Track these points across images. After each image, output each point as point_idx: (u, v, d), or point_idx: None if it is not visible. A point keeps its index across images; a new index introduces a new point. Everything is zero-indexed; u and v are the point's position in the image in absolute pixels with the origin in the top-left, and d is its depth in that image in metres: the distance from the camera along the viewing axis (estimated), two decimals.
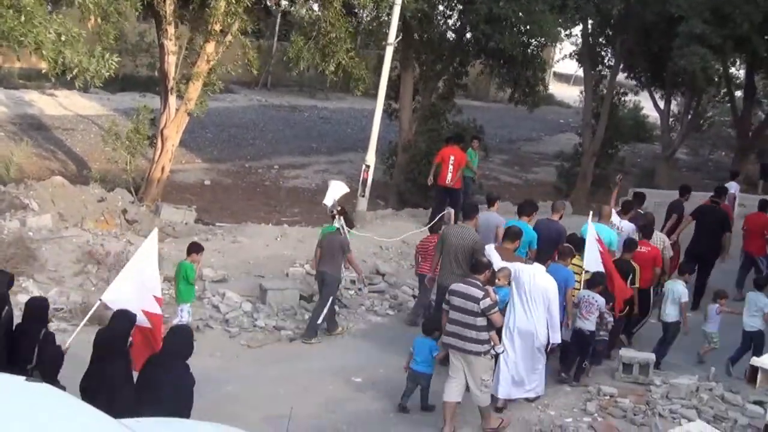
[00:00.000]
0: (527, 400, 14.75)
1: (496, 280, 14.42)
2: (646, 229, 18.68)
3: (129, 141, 25.17)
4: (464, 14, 30.08)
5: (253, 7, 23.47)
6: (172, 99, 24.83)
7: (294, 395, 13.76)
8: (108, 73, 18.89)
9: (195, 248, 16.03)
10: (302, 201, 31.45)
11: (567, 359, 16.03)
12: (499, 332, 13.99)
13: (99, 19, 19.69)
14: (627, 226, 18.96)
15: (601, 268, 16.41)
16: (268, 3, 27.11)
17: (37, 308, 11.42)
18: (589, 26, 37.32)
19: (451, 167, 24.11)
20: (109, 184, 24.51)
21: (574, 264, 16.35)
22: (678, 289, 17.08)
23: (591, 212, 18.26)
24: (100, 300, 12.14)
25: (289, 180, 34.23)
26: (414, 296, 19.52)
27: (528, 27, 27.91)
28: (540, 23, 27.36)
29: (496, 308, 13.49)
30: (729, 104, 43.69)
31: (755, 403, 15.08)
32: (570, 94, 60.37)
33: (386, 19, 24.92)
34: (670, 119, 42.98)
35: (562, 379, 15.83)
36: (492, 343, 13.52)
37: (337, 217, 18.68)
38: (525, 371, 14.54)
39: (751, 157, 42.10)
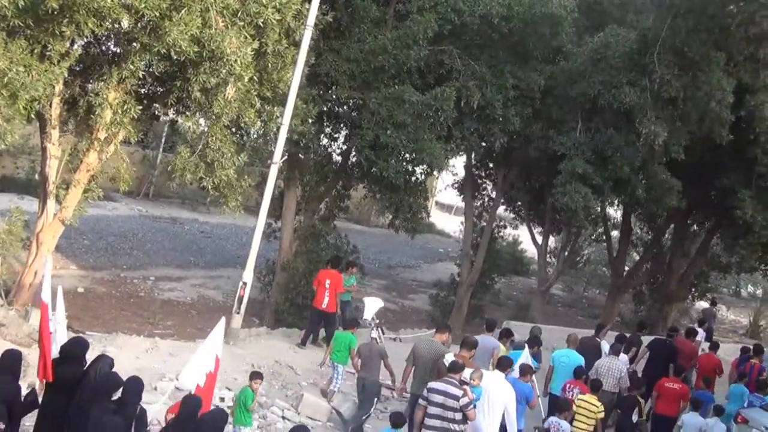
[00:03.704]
0: None
1: (471, 381, 16.21)
2: (678, 368, 22.24)
3: (1, 243, 24.63)
4: (350, 138, 30.38)
5: (139, 118, 23.35)
6: (51, 203, 24.37)
7: None
8: None
9: (255, 376, 16.65)
10: (176, 314, 31.04)
11: None
12: None
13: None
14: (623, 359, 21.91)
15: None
16: (156, 113, 26.95)
17: (136, 385, 12.67)
18: (473, 158, 37.97)
19: (327, 291, 24.19)
20: None
21: (585, 400, 18.51)
22: (720, 427, 19.47)
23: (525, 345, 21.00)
24: (177, 379, 14.77)
25: (164, 292, 33.81)
26: (283, 417, 19.33)
27: (414, 155, 28.25)
28: (428, 150, 27.72)
29: (472, 405, 15.53)
30: (605, 243, 44.66)
31: None
32: (451, 223, 61.14)
33: (272, 137, 25.01)
34: (547, 255, 43.66)
35: None
36: None
37: (374, 328, 21.10)
38: None
39: (624, 297, 42.89)
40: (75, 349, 13.35)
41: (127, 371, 15.92)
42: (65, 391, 12.75)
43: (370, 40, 27.80)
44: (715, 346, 25.36)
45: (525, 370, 18.24)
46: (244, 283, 23.95)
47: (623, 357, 21.91)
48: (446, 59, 29.89)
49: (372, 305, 22.35)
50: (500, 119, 30.51)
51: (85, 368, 13.19)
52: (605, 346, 22.39)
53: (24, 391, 12.93)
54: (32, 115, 21.50)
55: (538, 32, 30.81)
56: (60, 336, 14.46)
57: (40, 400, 13.22)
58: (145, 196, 51.56)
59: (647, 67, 29.30)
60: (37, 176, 32.41)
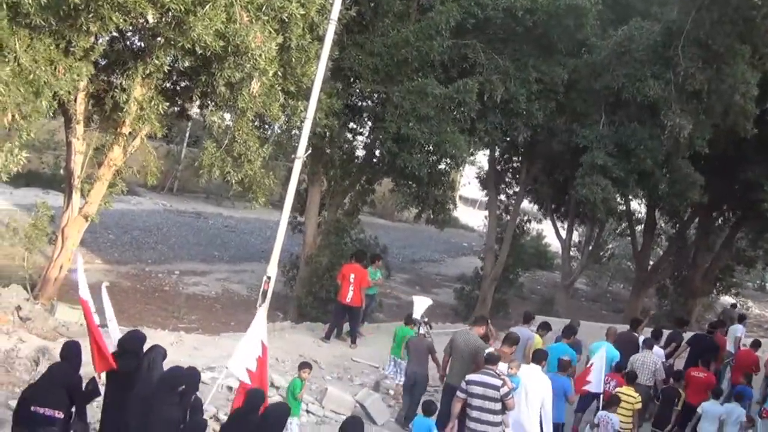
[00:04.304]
0: None
1: (509, 370, 16.76)
2: (704, 356, 22.36)
3: (27, 237, 24.76)
4: (374, 132, 30.37)
5: (166, 113, 23.41)
6: (76, 198, 24.50)
7: None
8: (16, 168, 18.75)
9: (304, 365, 17.30)
10: (201, 308, 31.10)
11: None
12: None
13: (17, 116, 19.49)
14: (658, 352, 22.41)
15: (600, 389, 19.46)
16: (184, 109, 27.03)
17: (194, 376, 13.11)
18: (497, 152, 37.90)
19: (351, 285, 24.21)
20: (4, 280, 23.95)
21: (623, 392, 19.04)
22: (739, 412, 19.83)
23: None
24: (227, 368, 15.85)
25: (188, 286, 33.87)
26: (308, 411, 19.36)
27: (437, 147, 28.16)
28: (452, 142, 27.64)
29: (512, 395, 15.96)
30: (629, 238, 44.52)
31: None
32: (475, 218, 61.10)
33: (297, 132, 25.02)
34: (571, 249, 43.57)
35: None
36: (504, 425, 16.03)
37: (423, 325, 21.24)
38: None
39: (648, 291, 42.79)
40: (132, 342, 13.91)
41: None
42: (124, 384, 13.22)
43: (394, 33, 27.77)
44: (756, 344, 25.49)
45: (564, 365, 18.59)
46: (268, 278, 23.97)
47: (658, 351, 22.30)
48: (470, 53, 29.82)
49: (421, 304, 22.44)
50: (524, 113, 30.41)
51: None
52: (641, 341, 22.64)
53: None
54: (51, 113, 21.59)
55: (562, 25, 30.66)
56: (113, 331, 15.06)
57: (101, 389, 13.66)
58: (169, 191, 51.77)
59: (671, 59, 29.16)
60: (62, 171, 32.58)
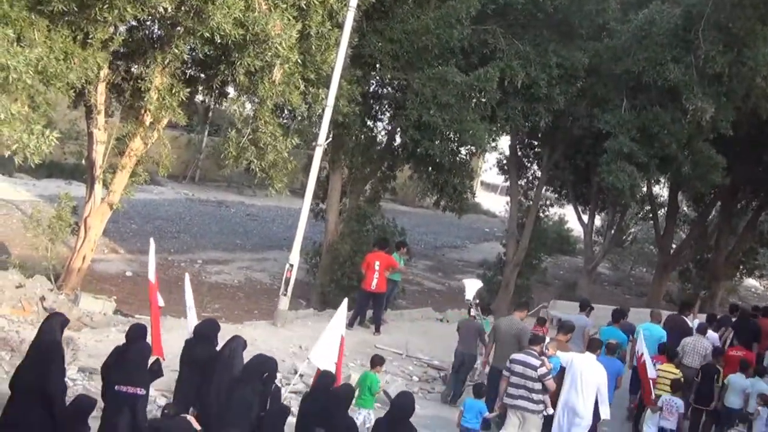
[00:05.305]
0: None
1: (547, 351, 17.23)
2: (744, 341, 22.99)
3: (50, 228, 24.86)
4: (395, 119, 30.34)
5: (187, 101, 23.43)
6: (98, 188, 24.56)
7: None
8: (48, 150, 18.73)
9: (379, 360, 17.42)
10: (224, 297, 31.17)
11: None
12: (554, 403, 16.85)
13: (26, 107, 19.51)
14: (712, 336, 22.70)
15: (655, 374, 19.53)
16: (198, 99, 27.05)
17: (274, 365, 13.77)
18: (517, 137, 37.79)
19: (377, 273, 24.22)
20: (28, 271, 24.04)
21: (664, 369, 19.64)
22: (761, 386, 19.92)
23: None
24: (308, 359, 16.20)
25: (211, 275, 33.95)
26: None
27: (458, 135, 28.15)
28: (471, 131, 27.62)
29: (550, 375, 16.50)
30: (652, 221, 44.37)
31: None
32: (497, 203, 60.93)
33: (317, 119, 25.01)
34: (593, 234, 43.43)
35: None
36: (544, 405, 16.48)
37: (474, 306, 22.19)
38: None
39: (672, 275, 42.66)
40: (208, 330, 14.67)
41: (175, 354, 16.06)
42: (200, 370, 13.95)
43: (413, 20, 27.69)
44: None
45: (612, 348, 19.13)
46: (291, 265, 24.02)
47: (712, 335, 22.56)
48: (490, 39, 29.81)
49: (472, 286, 23.21)
50: (545, 98, 30.36)
51: (218, 348, 14.36)
52: (695, 325, 23.08)
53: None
54: (71, 103, 21.60)
55: (583, 9, 30.63)
56: (191, 319, 15.77)
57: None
58: (191, 180, 51.81)
59: (692, 43, 29.07)
60: (84, 161, 32.67)
